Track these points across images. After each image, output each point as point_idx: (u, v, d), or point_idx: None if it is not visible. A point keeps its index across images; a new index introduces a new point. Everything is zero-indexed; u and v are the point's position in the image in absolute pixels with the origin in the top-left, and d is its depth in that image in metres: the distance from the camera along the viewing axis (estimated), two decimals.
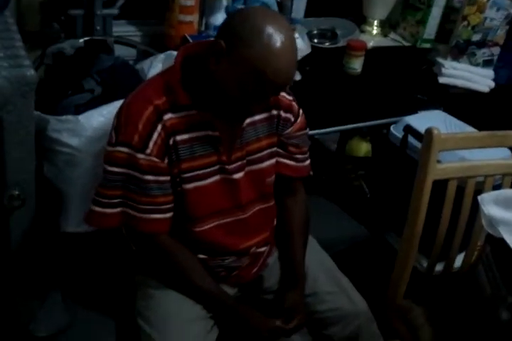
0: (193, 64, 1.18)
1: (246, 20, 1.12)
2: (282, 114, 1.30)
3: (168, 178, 1.20)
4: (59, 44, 1.60)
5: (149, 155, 1.16)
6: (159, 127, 1.17)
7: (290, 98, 1.32)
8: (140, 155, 1.16)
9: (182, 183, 1.22)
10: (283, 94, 1.30)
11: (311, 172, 1.42)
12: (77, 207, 1.40)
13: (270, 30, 1.09)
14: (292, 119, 1.32)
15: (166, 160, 1.19)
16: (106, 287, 1.54)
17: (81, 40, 1.64)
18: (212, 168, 1.24)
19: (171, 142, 1.19)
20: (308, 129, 1.40)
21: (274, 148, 1.32)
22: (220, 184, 1.25)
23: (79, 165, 1.38)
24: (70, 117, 1.37)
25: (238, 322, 1.27)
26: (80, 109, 1.42)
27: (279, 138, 1.32)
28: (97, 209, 1.22)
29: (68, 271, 1.57)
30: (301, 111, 1.35)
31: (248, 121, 1.25)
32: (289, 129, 1.32)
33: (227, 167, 1.25)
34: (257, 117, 1.27)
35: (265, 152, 1.30)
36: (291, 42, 1.12)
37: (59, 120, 1.37)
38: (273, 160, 1.32)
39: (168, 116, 1.18)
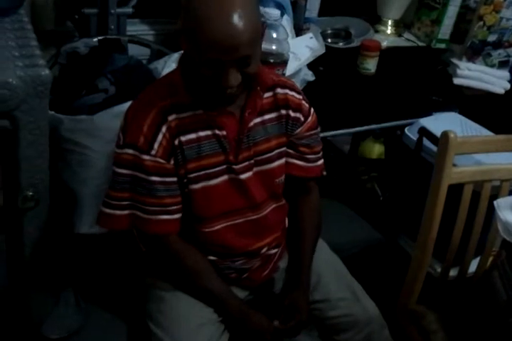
0: (188, 63, 1.17)
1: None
2: (291, 113, 1.28)
3: (174, 179, 1.20)
4: (73, 43, 1.61)
5: (154, 156, 1.17)
6: (164, 128, 1.17)
7: (299, 97, 1.30)
8: (145, 157, 1.16)
9: (189, 184, 1.22)
10: (292, 93, 1.28)
11: (325, 173, 1.41)
12: (90, 208, 1.40)
13: None
14: (302, 119, 1.30)
15: (172, 162, 1.19)
16: (118, 289, 1.53)
17: (95, 39, 1.64)
18: (219, 168, 1.23)
19: (176, 143, 1.18)
20: (319, 128, 1.37)
21: (284, 148, 1.31)
22: (228, 184, 1.25)
23: (93, 166, 1.38)
24: (83, 117, 1.38)
25: (245, 327, 1.27)
26: (94, 109, 1.42)
27: (288, 139, 1.30)
28: (107, 210, 1.22)
29: (81, 273, 1.57)
30: (312, 110, 1.33)
31: (257, 120, 1.24)
32: (299, 129, 1.30)
33: (234, 167, 1.24)
34: (267, 117, 1.26)
35: (274, 152, 1.29)
36: (229, 1, 1.04)
37: (73, 120, 1.37)
38: (282, 161, 1.31)
39: (172, 117, 1.17)
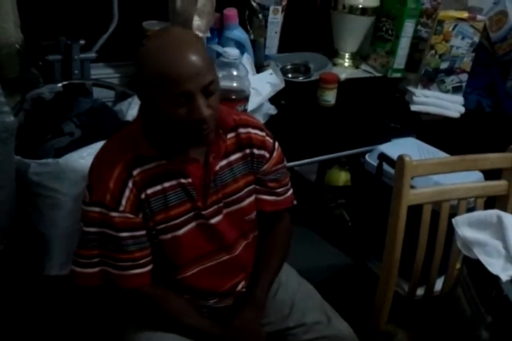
0: (148, 113, 1.20)
1: (137, 53, 1.15)
2: (256, 151, 1.30)
3: (143, 232, 1.21)
4: (38, 89, 1.64)
5: (123, 212, 1.17)
6: (130, 183, 1.17)
7: (262, 134, 1.32)
8: (114, 214, 1.17)
9: (158, 235, 1.22)
10: (255, 131, 1.30)
11: (295, 202, 1.43)
12: (60, 250, 1.41)
13: (149, 42, 1.13)
14: (267, 155, 1.32)
15: (141, 215, 1.19)
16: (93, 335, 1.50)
17: (59, 85, 1.68)
18: (187, 216, 1.24)
19: (142, 196, 1.19)
20: (285, 162, 1.40)
21: (252, 186, 1.33)
22: (197, 230, 1.25)
23: (60, 208, 1.39)
24: (50, 160, 1.39)
25: None
26: (60, 152, 1.44)
27: (255, 176, 1.32)
28: (78, 269, 1.22)
29: (53, 321, 1.53)
30: (276, 144, 1.35)
31: (223, 163, 1.26)
32: (265, 166, 1.32)
33: (203, 212, 1.25)
34: (232, 158, 1.27)
35: (243, 191, 1.30)
36: (174, 38, 1.12)
37: (39, 164, 1.39)
38: (252, 198, 1.33)
39: (137, 171, 1.18)
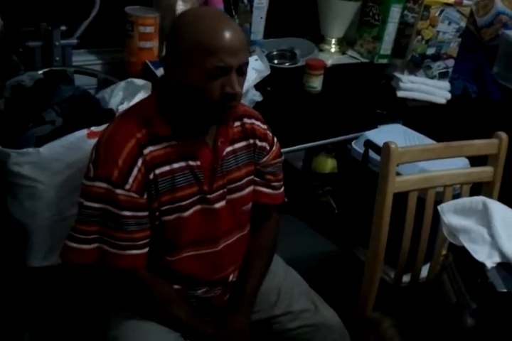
0: (166, 91, 1.19)
1: (173, 24, 1.18)
2: (258, 142, 1.32)
3: (146, 214, 1.20)
4: (18, 76, 1.60)
5: (128, 190, 1.16)
6: (139, 162, 1.16)
7: (265, 127, 1.35)
8: (119, 191, 1.15)
9: (161, 216, 1.22)
10: (258, 123, 1.33)
11: (286, 199, 1.44)
12: (41, 241, 1.38)
13: (192, 13, 1.18)
14: (268, 148, 1.34)
15: (145, 196, 1.19)
16: (80, 331, 1.48)
17: (40, 72, 1.64)
18: (193, 199, 1.23)
19: (151, 176, 1.18)
20: (283, 157, 1.42)
21: (252, 177, 1.34)
22: (200, 214, 1.25)
23: (41, 198, 1.37)
24: (30, 150, 1.36)
25: None
26: (41, 141, 1.41)
27: (255, 167, 1.34)
28: (74, 245, 1.20)
29: (38, 314, 1.50)
30: (275, 139, 1.38)
31: (229, 149, 1.26)
32: (265, 158, 1.34)
33: (208, 196, 1.25)
34: (237, 145, 1.29)
35: (244, 180, 1.31)
36: (218, 13, 1.19)
37: (20, 153, 1.36)
38: (251, 188, 1.34)
39: (148, 149, 1.17)
